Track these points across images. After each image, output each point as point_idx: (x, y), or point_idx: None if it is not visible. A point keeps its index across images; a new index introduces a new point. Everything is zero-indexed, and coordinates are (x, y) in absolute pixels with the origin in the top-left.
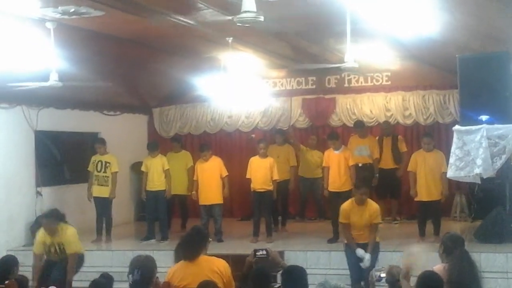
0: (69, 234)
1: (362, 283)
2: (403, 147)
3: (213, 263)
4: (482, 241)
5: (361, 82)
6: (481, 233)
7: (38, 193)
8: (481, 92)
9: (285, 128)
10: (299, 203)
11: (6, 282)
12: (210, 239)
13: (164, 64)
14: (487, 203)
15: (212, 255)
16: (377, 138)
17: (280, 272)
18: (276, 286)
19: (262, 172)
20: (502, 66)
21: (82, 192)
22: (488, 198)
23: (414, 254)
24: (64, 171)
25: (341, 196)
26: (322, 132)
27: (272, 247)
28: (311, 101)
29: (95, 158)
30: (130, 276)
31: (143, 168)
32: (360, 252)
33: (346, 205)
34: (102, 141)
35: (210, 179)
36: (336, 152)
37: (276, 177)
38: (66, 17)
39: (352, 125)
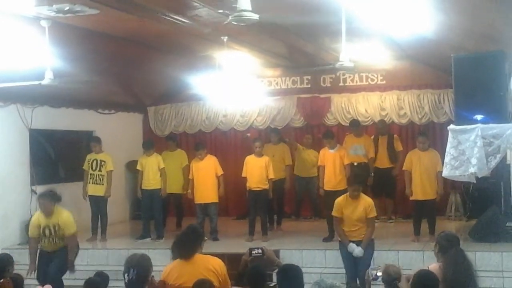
0: (66, 216)
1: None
2: (398, 146)
3: (208, 262)
4: (477, 240)
5: (356, 81)
6: (476, 232)
7: (33, 192)
8: (476, 91)
9: (280, 127)
10: (294, 202)
11: (1, 280)
12: (206, 238)
13: (159, 62)
14: (482, 202)
15: (208, 254)
16: (372, 137)
17: (276, 271)
18: (271, 285)
19: (257, 171)
20: (497, 66)
21: (77, 191)
22: (483, 197)
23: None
24: (59, 170)
25: (337, 195)
26: (317, 131)
27: (267, 246)
28: (306, 100)
29: (90, 157)
30: (126, 275)
31: (138, 167)
32: (352, 246)
33: (340, 199)
34: (97, 140)
35: (206, 178)
36: (331, 151)
37: (271, 176)
38: (60, 15)
39: (347, 124)
